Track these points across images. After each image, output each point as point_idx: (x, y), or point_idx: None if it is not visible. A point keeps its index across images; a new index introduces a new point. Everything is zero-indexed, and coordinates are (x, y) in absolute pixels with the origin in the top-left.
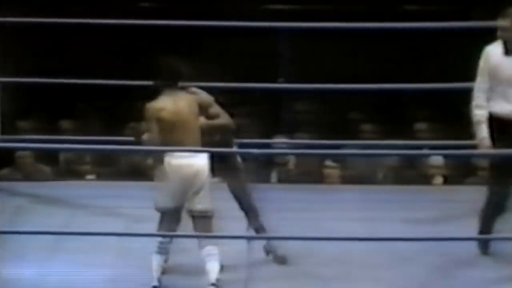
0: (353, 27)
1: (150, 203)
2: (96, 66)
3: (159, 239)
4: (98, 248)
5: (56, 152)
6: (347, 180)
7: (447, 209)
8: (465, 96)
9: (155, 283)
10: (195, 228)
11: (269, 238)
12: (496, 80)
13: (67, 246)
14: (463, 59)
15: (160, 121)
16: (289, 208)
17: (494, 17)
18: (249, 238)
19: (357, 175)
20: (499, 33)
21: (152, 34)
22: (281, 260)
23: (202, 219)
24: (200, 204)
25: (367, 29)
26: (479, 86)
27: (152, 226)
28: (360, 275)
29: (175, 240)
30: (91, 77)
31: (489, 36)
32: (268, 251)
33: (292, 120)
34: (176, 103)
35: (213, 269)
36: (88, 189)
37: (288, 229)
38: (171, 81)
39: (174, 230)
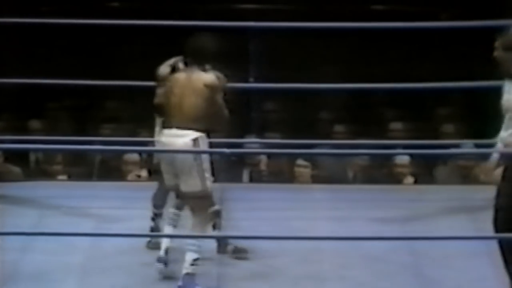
0: (322, 26)
1: (121, 203)
2: (63, 65)
3: (173, 210)
4: (69, 248)
5: (26, 152)
6: (318, 179)
7: (416, 208)
8: (439, 97)
9: (162, 253)
10: (188, 208)
11: (240, 238)
12: None
13: (38, 246)
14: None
15: (166, 90)
16: (260, 208)
17: (461, 18)
18: (219, 238)
19: (328, 175)
20: None
21: (122, 34)
22: (242, 253)
23: (194, 200)
24: (188, 184)
25: (335, 28)
26: None
27: (122, 226)
28: (331, 274)
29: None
30: (59, 77)
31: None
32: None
33: (262, 119)
34: (186, 77)
35: (190, 258)
36: (59, 189)
37: (259, 228)
38: (196, 59)
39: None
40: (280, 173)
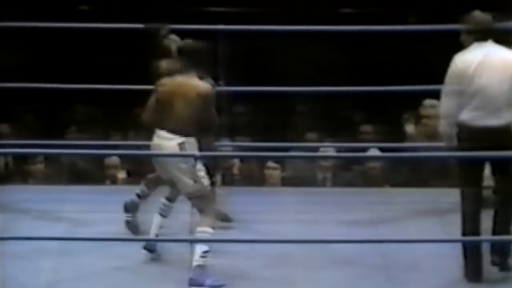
0: (292, 29)
1: (91, 207)
2: (33, 68)
3: (164, 201)
4: (39, 252)
5: None
6: (288, 181)
7: (386, 211)
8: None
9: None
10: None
11: (212, 241)
12: None
13: (8, 251)
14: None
15: (157, 94)
16: (231, 211)
17: (430, 21)
18: (191, 241)
19: (298, 177)
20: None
21: (89, 37)
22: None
23: (193, 199)
24: (182, 185)
25: (305, 31)
26: None
27: (93, 230)
28: (301, 277)
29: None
30: (28, 80)
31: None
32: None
33: (232, 123)
34: (181, 82)
35: (200, 251)
36: (29, 193)
37: (230, 232)
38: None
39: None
40: (251, 176)
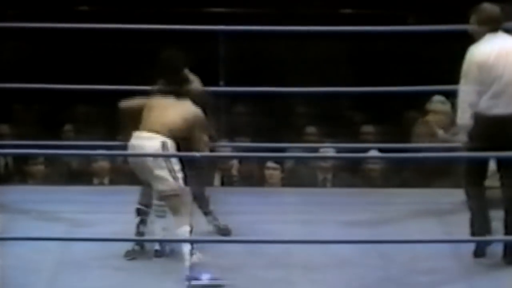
0: (292, 30)
1: (90, 208)
2: (31, 68)
3: (156, 202)
4: (39, 252)
5: None
6: (288, 182)
7: (386, 212)
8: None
9: (157, 246)
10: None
11: (212, 242)
12: None
13: (8, 251)
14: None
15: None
16: (231, 211)
17: (429, 21)
18: (192, 242)
19: (298, 177)
20: None
21: (90, 37)
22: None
23: (166, 198)
24: (159, 184)
25: (305, 32)
26: None
27: (92, 230)
28: (301, 278)
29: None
30: (27, 81)
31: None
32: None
33: (232, 123)
34: (172, 102)
35: (186, 251)
36: (29, 193)
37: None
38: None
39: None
40: (251, 176)
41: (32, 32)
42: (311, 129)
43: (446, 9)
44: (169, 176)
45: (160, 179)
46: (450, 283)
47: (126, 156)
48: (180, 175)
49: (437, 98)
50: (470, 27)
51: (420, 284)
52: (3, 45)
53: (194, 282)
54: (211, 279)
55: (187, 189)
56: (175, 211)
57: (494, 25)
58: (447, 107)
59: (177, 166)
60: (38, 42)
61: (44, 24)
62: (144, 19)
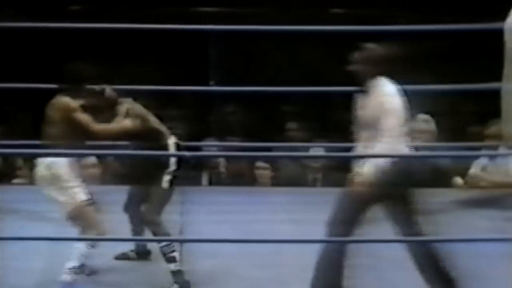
0: (282, 29)
1: None
2: (24, 68)
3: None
4: (29, 252)
5: None
6: (278, 181)
7: (376, 211)
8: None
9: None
10: None
11: (203, 241)
12: None
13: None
14: None
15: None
16: (220, 211)
17: (419, 21)
18: (181, 241)
19: (287, 177)
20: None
21: (81, 37)
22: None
23: (73, 219)
24: (61, 208)
25: (296, 31)
26: None
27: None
28: (292, 277)
29: None
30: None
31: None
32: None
33: (222, 123)
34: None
35: (67, 266)
36: (18, 193)
37: (219, 231)
38: (74, 85)
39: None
40: (240, 175)
41: (24, 32)
42: (293, 125)
43: (438, 9)
44: (65, 197)
45: (57, 201)
46: None
47: (117, 156)
48: (76, 190)
49: (421, 116)
50: (355, 66)
51: (410, 284)
52: None
53: None
54: None
55: (86, 205)
56: (84, 228)
57: None
58: (431, 125)
59: (71, 183)
60: (30, 41)
61: (37, 24)
62: (136, 18)
